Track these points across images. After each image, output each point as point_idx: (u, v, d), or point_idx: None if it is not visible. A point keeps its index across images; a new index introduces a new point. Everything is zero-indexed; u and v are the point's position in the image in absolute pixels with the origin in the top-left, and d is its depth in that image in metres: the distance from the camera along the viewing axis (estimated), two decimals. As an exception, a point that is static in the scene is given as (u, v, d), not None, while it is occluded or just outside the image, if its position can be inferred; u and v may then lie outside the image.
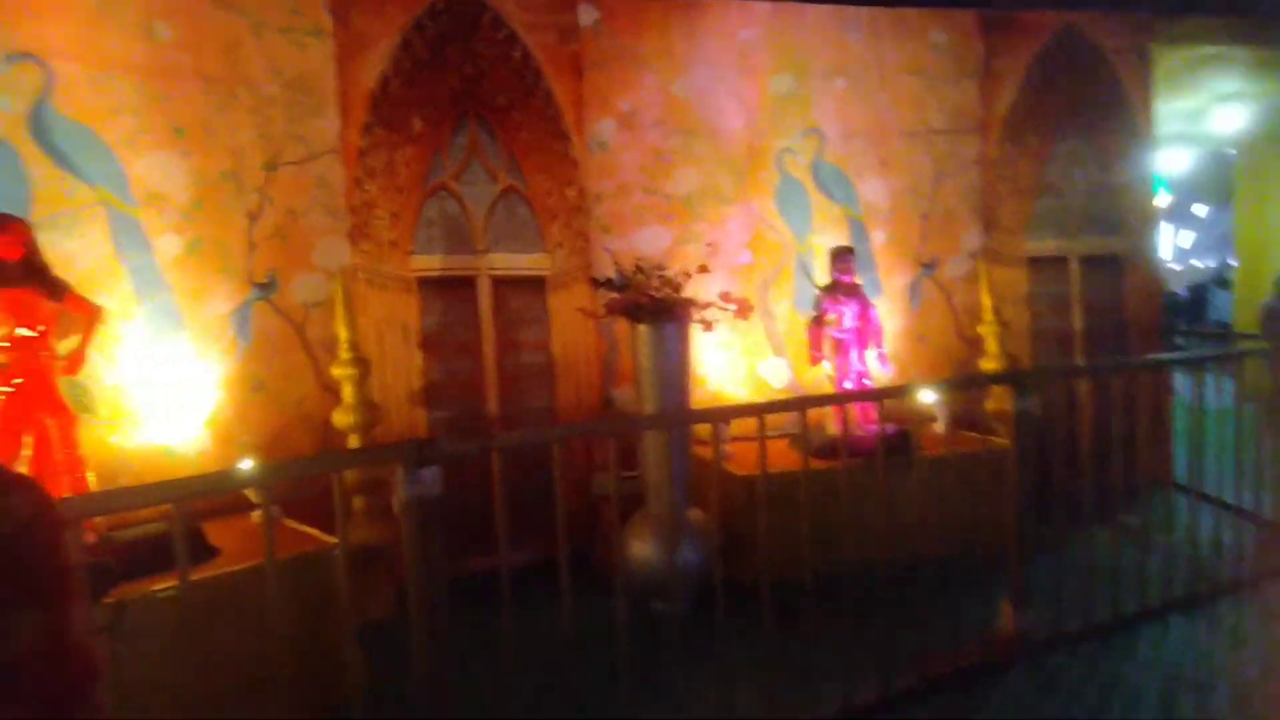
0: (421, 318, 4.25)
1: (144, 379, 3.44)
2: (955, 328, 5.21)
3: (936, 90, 5.06)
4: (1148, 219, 5.50)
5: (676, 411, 3.58)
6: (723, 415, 3.20)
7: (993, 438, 4.49)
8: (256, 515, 3.22)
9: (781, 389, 4.91)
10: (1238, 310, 8.93)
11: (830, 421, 4.24)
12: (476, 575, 2.81)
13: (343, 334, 3.69)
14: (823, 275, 4.68)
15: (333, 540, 3.01)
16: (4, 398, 2.79)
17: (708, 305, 3.70)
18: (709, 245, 4.15)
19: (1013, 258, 5.25)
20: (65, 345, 3.05)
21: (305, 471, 2.66)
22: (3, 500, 1.19)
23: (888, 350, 4.89)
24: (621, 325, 4.21)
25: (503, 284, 4.42)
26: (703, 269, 3.76)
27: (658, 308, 3.52)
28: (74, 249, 3.26)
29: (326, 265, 3.92)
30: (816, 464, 3.19)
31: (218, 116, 3.65)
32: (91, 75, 3.32)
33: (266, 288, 3.79)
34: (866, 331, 4.31)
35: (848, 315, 4.30)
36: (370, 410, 3.74)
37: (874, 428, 4.15)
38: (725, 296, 3.75)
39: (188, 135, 3.57)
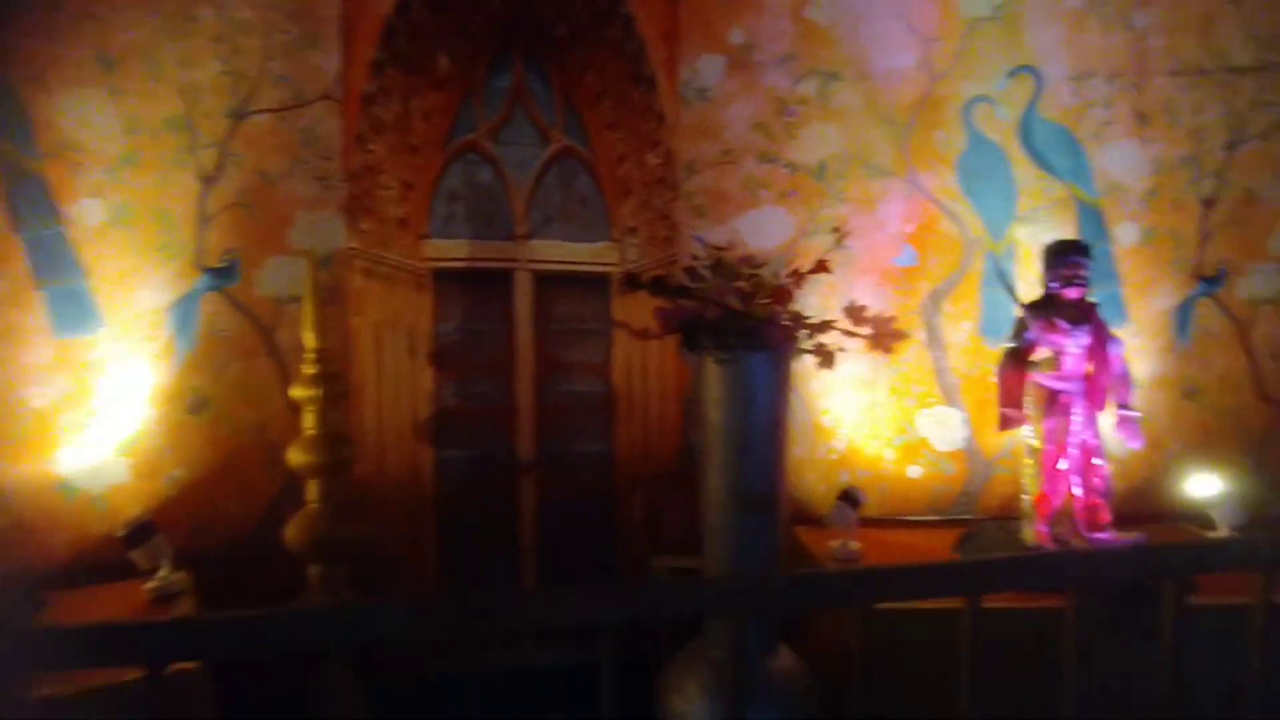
0: (435, 323, 2.93)
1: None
2: (1253, 378, 3.09)
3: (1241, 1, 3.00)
4: None
5: (751, 570, 1.99)
6: (873, 590, 1.54)
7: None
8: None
9: (950, 454, 3.09)
10: None
11: (1028, 519, 2.44)
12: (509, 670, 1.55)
13: (309, 340, 2.44)
14: (1031, 285, 2.82)
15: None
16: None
17: (823, 326, 2.04)
18: (837, 230, 2.48)
19: (1364, 270, 3.03)
20: None
21: None
22: None
23: (1137, 410, 2.93)
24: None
25: (550, 282, 3.02)
26: (821, 267, 2.11)
27: (731, 327, 1.92)
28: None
29: (310, 247, 2.68)
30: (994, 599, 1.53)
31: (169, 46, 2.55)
32: None
33: (225, 274, 2.62)
34: (1102, 379, 2.43)
35: (1072, 351, 2.44)
36: (337, 447, 2.45)
37: (1103, 538, 2.31)
38: (855, 313, 2.07)
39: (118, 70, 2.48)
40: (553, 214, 3.05)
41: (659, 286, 2.04)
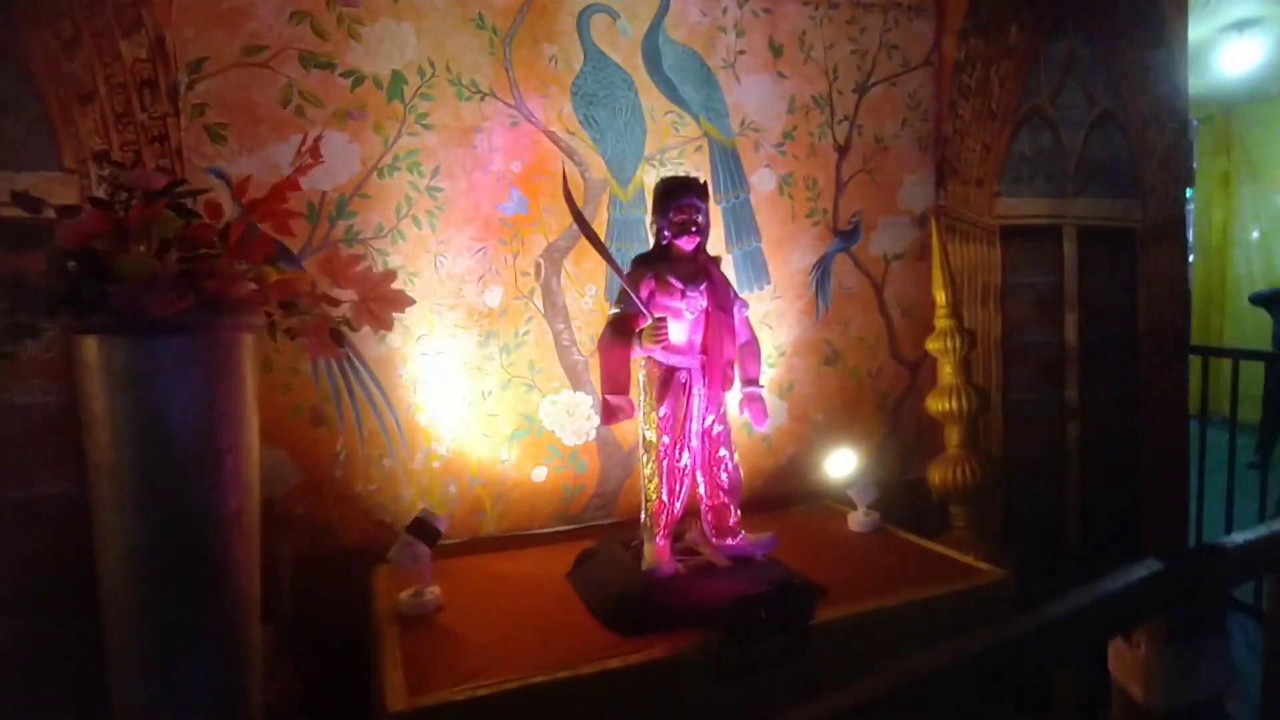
0: None
1: None
2: (887, 339, 2.83)
3: (870, -72, 2.74)
4: (1178, 174, 3.21)
5: None
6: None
7: (962, 554, 2.16)
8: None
9: (581, 447, 2.46)
10: (1196, 320, 6.91)
11: (649, 533, 1.84)
12: None
13: None
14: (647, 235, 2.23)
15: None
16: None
17: (270, 292, 1.17)
18: (305, 144, 1.65)
19: (979, 225, 2.89)
20: None
21: None
22: None
23: (769, 384, 2.53)
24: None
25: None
26: (278, 194, 1.24)
27: (78, 293, 0.97)
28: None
29: None
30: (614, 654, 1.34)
31: None
32: None
33: None
34: (725, 350, 1.87)
35: (689, 317, 1.86)
36: None
37: (734, 546, 1.77)
38: (338, 267, 1.23)
39: None
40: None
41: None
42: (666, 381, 1.95)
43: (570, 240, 2.46)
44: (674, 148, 2.55)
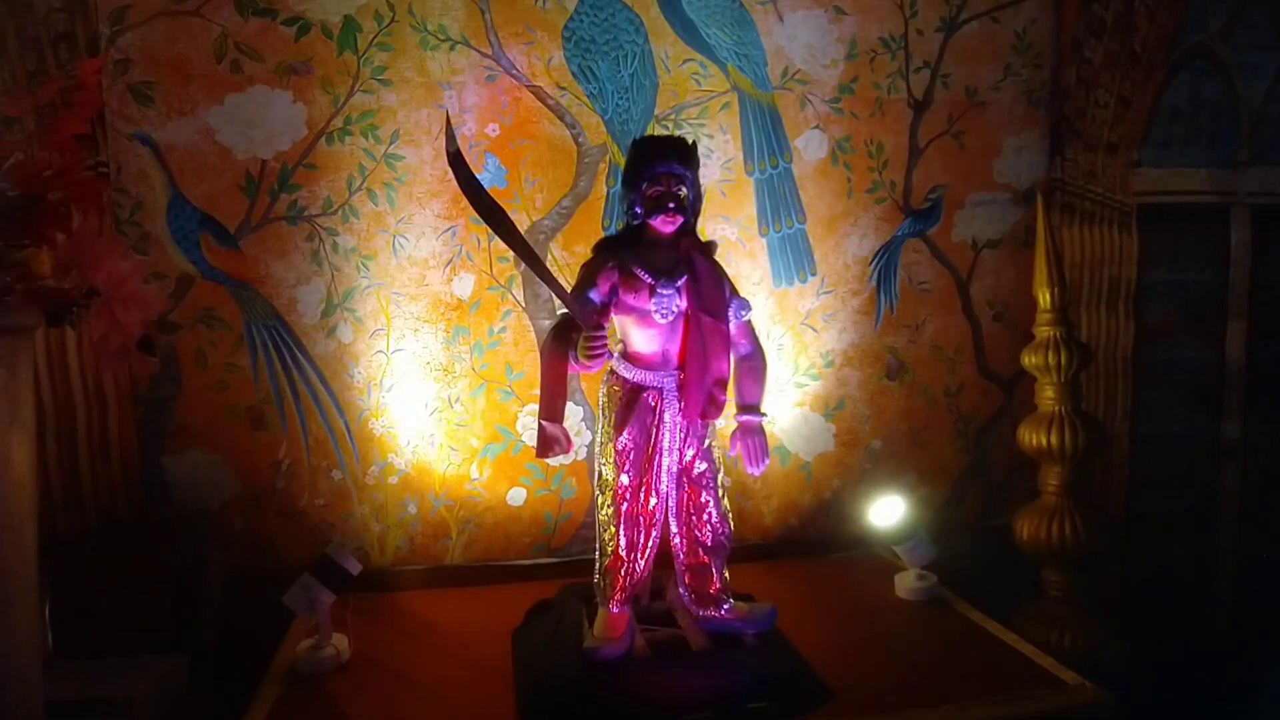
0: None
1: None
2: (973, 348, 2.22)
3: None
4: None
5: None
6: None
7: (1039, 650, 1.57)
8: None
9: (569, 467, 2.06)
10: None
11: (602, 592, 1.40)
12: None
13: None
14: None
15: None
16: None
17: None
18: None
19: (1109, 204, 2.20)
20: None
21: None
22: None
23: (810, 400, 2.03)
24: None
25: None
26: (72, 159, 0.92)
27: None
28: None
29: None
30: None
31: None
32: None
33: None
34: (706, 365, 1.38)
35: (658, 323, 1.38)
36: None
37: (716, 618, 1.27)
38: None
39: None
40: None
41: None
42: (631, 403, 1.49)
43: (558, 219, 2.03)
44: (693, 105, 2.06)
